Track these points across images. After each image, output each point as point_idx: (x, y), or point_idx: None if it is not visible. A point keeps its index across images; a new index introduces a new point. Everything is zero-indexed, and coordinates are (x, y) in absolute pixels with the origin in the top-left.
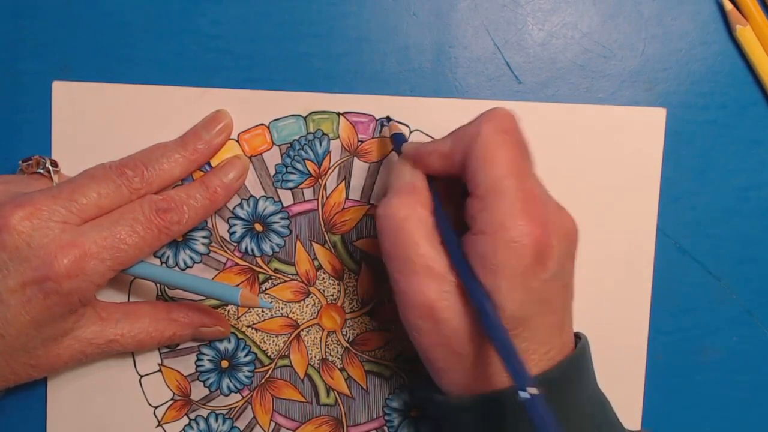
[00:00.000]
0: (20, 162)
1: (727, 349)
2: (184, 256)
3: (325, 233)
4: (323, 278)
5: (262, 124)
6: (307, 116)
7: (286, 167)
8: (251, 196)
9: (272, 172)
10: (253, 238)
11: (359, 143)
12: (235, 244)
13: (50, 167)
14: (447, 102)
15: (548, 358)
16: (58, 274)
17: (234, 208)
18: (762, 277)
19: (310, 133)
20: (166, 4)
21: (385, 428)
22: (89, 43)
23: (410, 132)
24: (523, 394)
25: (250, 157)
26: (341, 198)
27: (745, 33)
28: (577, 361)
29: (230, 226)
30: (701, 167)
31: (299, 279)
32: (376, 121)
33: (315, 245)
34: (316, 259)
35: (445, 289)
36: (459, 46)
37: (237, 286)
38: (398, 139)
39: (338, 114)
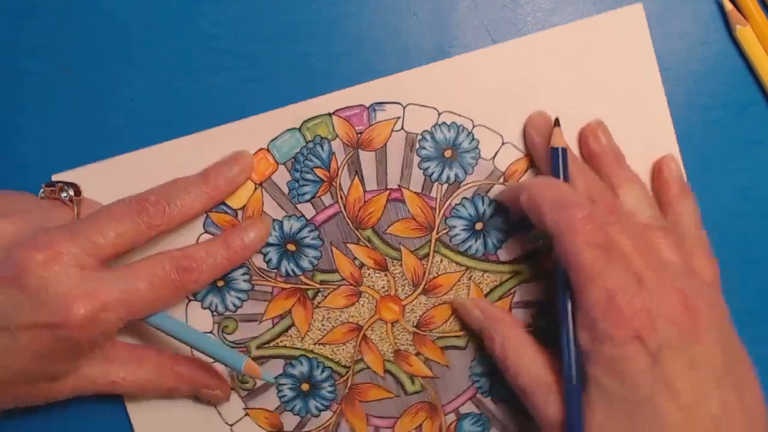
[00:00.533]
0: (43, 186)
1: None
2: (231, 299)
3: (355, 231)
4: (369, 274)
5: (261, 149)
6: (301, 126)
7: (298, 182)
8: (275, 220)
9: (286, 190)
10: (290, 259)
11: (358, 135)
12: (275, 270)
13: (72, 195)
14: (431, 68)
15: None
16: (72, 324)
17: None
18: (762, 277)
19: (309, 141)
20: (166, 4)
21: (479, 395)
22: (89, 43)
23: (404, 107)
24: None
25: (260, 183)
26: (359, 193)
27: (744, 33)
28: None
29: (265, 255)
30: (701, 167)
31: (346, 283)
32: (368, 108)
33: (350, 246)
34: (356, 258)
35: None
36: (459, 46)
37: (243, 354)
38: (555, 161)
39: (329, 114)
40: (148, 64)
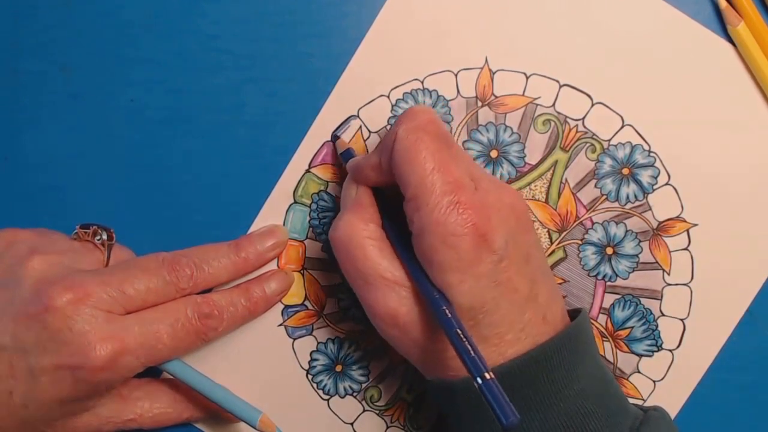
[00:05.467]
0: (77, 227)
1: (727, 349)
2: (357, 374)
3: None
4: None
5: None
6: (295, 199)
7: (323, 243)
8: (338, 284)
9: (326, 255)
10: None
11: (339, 169)
12: None
13: (105, 239)
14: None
15: (527, 335)
16: (93, 365)
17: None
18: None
19: (312, 203)
20: (166, 4)
21: (608, 284)
22: (89, 43)
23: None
24: (478, 381)
25: (303, 268)
26: None
27: (739, 31)
28: (567, 338)
29: (353, 319)
30: None
31: None
32: (330, 141)
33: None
34: None
35: (403, 295)
36: None
37: (259, 410)
38: (345, 158)
39: (307, 171)
40: (148, 64)
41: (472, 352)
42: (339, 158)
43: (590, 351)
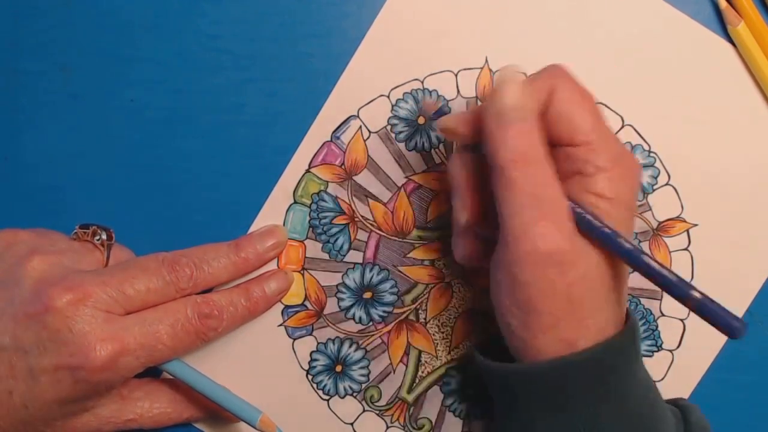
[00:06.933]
0: (77, 227)
1: (727, 349)
2: (357, 374)
3: (405, 241)
4: (443, 265)
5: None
6: (295, 199)
7: (329, 241)
8: (338, 284)
9: (326, 257)
10: (375, 304)
11: (342, 167)
12: (371, 323)
13: (105, 239)
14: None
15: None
16: (92, 366)
17: (343, 306)
18: None
19: (312, 203)
20: (166, 4)
21: None
22: (89, 43)
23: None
24: (695, 295)
25: (303, 268)
26: (381, 209)
27: (739, 31)
28: (635, 330)
29: (355, 317)
30: None
31: (432, 284)
32: (330, 141)
33: (410, 255)
34: (423, 260)
35: (571, 230)
36: None
37: (259, 410)
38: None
39: (307, 171)
40: (148, 64)
41: (670, 273)
42: (430, 116)
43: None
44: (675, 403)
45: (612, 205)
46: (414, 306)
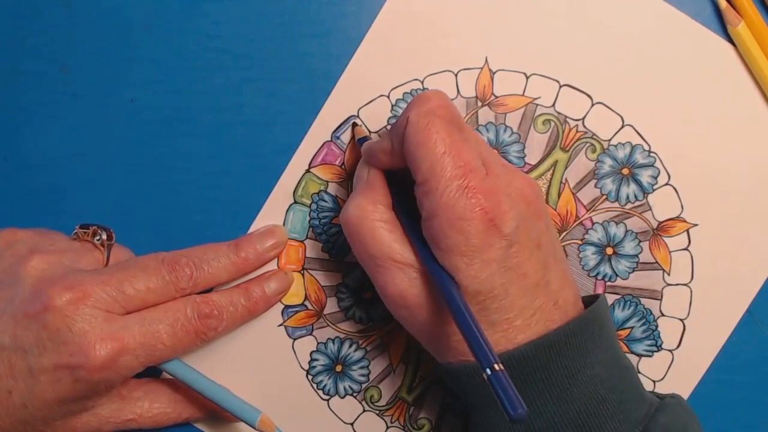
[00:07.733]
0: (77, 227)
1: (727, 349)
2: (357, 374)
3: None
4: None
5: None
6: (295, 199)
7: (330, 241)
8: (338, 284)
9: (327, 256)
10: (376, 302)
11: (342, 167)
12: (371, 322)
13: (105, 239)
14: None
15: (537, 321)
16: (92, 365)
17: (343, 308)
18: None
19: (312, 203)
20: (166, 4)
21: (608, 284)
22: (89, 43)
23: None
24: (487, 372)
25: (303, 268)
26: None
27: (739, 31)
28: (579, 324)
29: (355, 318)
30: None
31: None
32: (330, 141)
33: None
34: None
35: (413, 277)
36: None
37: (259, 410)
38: (361, 143)
39: (307, 171)
40: (148, 64)
41: (480, 339)
42: (356, 145)
43: (606, 337)
44: (662, 397)
45: (442, 251)
46: None
